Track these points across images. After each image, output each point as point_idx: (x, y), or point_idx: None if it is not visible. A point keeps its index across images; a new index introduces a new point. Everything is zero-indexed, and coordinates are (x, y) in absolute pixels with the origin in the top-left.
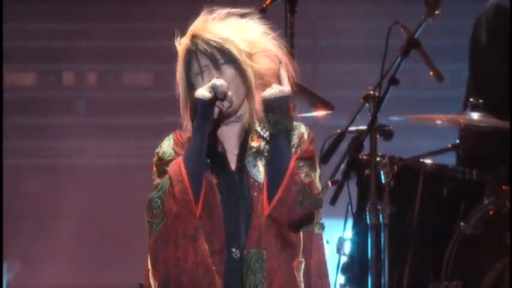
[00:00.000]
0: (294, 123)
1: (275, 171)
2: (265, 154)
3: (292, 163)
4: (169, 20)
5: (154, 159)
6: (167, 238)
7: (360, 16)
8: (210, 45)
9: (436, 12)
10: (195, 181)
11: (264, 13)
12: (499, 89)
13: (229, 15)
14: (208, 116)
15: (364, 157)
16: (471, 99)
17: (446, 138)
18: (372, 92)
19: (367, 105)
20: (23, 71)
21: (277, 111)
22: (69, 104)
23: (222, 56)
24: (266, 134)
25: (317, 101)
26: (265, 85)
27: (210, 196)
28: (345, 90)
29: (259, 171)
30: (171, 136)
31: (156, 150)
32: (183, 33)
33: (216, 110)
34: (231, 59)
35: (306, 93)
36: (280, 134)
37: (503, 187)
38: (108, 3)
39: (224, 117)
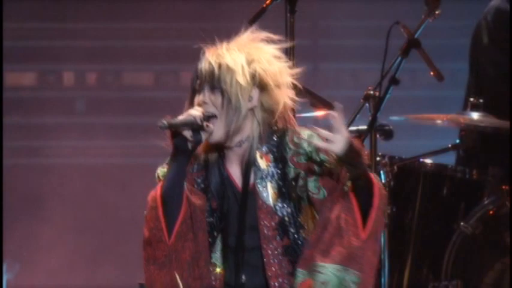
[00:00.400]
0: (303, 132)
1: (364, 202)
2: (275, 177)
3: (376, 191)
4: (169, 20)
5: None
6: (143, 259)
7: (360, 16)
8: (210, 66)
9: (436, 12)
10: (170, 209)
11: (264, 12)
12: (499, 88)
13: (259, 40)
14: (181, 147)
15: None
16: (471, 99)
17: (446, 138)
18: (372, 92)
19: (367, 105)
20: (23, 71)
21: (351, 163)
22: (69, 104)
23: (215, 80)
24: (279, 155)
25: (317, 101)
26: (275, 115)
27: (196, 220)
28: (345, 90)
29: (268, 193)
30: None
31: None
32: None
33: (186, 138)
34: (224, 88)
35: (305, 92)
36: (359, 178)
37: (503, 187)
38: (108, 3)
39: (225, 145)
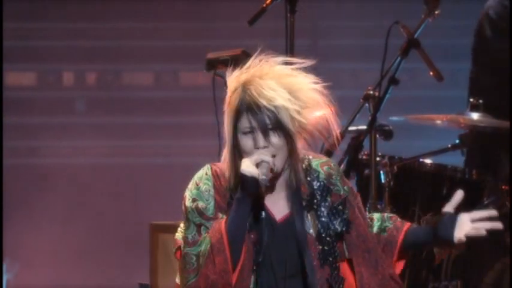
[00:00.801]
0: (322, 160)
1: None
2: (316, 209)
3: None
4: (169, 20)
5: (190, 205)
6: None
7: (360, 16)
8: (261, 109)
9: (436, 12)
10: (235, 252)
11: (264, 13)
12: (504, 81)
13: (282, 63)
14: (253, 191)
15: (364, 157)
16: (471, 99)
17: (446, 138)
18: (371, 92)
19: (366, 105)
20: (23, 71)
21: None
22: (68, 104)
23: (271, 122)
24: (316, 184)
25: None
26: (308, 137)
27: (246, 262)
28: (345, 89)
29: (310, 224)
30: (209, 177)
31: (193, 193)
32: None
33: (258, 184)
34: (280, 127)
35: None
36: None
37: (503, 187)
38: (108, 3)
39: (267, 188)
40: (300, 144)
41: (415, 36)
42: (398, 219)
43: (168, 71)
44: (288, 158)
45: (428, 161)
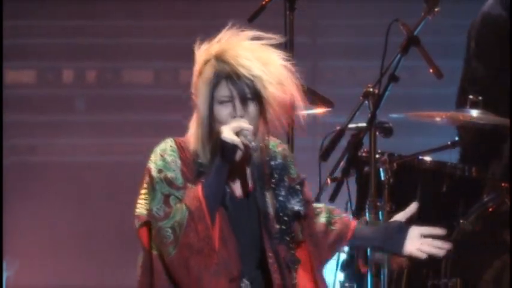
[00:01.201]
0: (276, 142)
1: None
2: (274, 188)
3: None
4: (168, 18)
5: (157, 175)
6: (179, 267)
7: (360, 13)
8: (241, 78)
9: (436, 10)
10: (213, 217)
11: (264, 10)
12: (485, 91)
13: (255, 38)
14: (232, 158)
15: (364, 154)
16: (470, 97)
17: (445, 135)
18: (371, 89)
19: (366, 102)
20: (22, 69)
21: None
22: (68, 102)
23: (250, 92)
24: (274, 163)
25: (316, 99)
26: (273, 113)
27: (224, 225)
28: (345, 87)
29: (269, 203)
30: (174, 148)
31: (158, 163)
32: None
33: (239, 152)
34: (258, 97)
35: (305, 90)
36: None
37: (503, 184)
38: (107, 1)
39: (244, 159)
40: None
41: (415, 33)
42: (344, 214)
43: (168, 69)
44: (258, 132)
45: (428, 158)
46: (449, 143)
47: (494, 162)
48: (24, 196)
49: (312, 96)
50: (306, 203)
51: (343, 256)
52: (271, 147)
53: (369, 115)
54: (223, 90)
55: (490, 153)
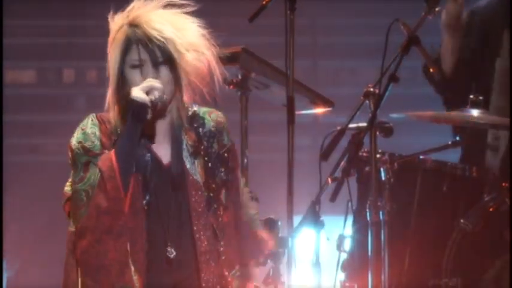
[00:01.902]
0: (204, 110)
1: None
2: (202, 155)
3: None
4: None
5: (76, 146)
6: (87, 230)
7: (360, 13)
8: (152, 41)
9: (436, 10)
10: (125, 179)
11: (264, 10)
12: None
13: (167, 5)
14: (143, 117)
15: (364, 154)
16: (471, 96)
17: (446, 135)
18: (371, 89)
19: (367, 102)
20: (23, 68)
21: None
22: (69, 101)
23: (162, 55)
24: (202, 131)
25: (317, 98)
26: (189, 84)
27: (136, 195)
28: (345, 87)
29: (197, 170)
30: (95, 122)
31: (78, 136)
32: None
33: (148, 110)
34: (170, 60)
35: (305, 90)
36: None
37: (503, 184)
38: (108, 1)
39: (154, 117)
40: (185, 93)
41: (416, 33)
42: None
43: None
44: (172, 97)
45: (428, 158)
46: (449, 142)
47: (490, 156)
48: (24, 196)
49: (312, 96)
50: (232, 170)
51: (343, 256)
52: (201, 115)
53: (370, 115)
54: (134, 54)
55: (486, 150)
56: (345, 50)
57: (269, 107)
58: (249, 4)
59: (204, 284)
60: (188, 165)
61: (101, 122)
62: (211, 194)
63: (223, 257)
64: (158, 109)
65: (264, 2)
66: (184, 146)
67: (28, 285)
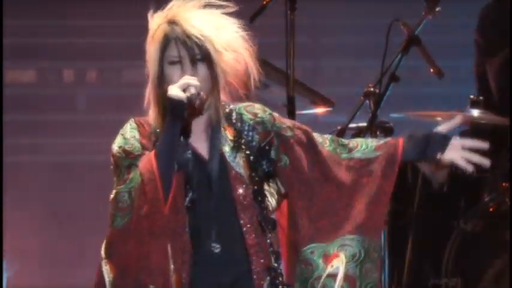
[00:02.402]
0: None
1: None
2: (244, 149)
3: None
4: None
5: (117, 150)
6: (131, 233)
7: (360, 13)
8: (191, 39)
9: (436, 10)
10: (165, 180)
11: (265, 10)
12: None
13: (206, 5)
14: (181, 115)
15: None
16: (471, 96)
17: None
18: (372, 89)
19: (367, 102)
20: (23, 68)
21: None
22: (69, 101)
23: (200, 52)
24: (241, 125)
25: (317, 98)
26: (227, 84)
27: (178, 194)
28: (345, 87)
29: (239, 164)
30: (133, 125)
31: (119, 141)
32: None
33: (186, 108)
34: (208, 58)
35: (306, 90)
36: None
37: (503, 184)
38: (108, 1)
39: (191, 119)
40: (222, 92)
41: (416, 33)
42: (389, 138)
43: None
44: (210, 95)
45: None
46: None
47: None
48: (24, 196)
49: (313, 96)
50: (278, 161)
51: None
52: (237, 111)
53: (370, 115)
54: (173, 51)
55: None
56: (345, 50)
57: (269, 107)
58: (250, 4)
59: (255, 276)
60: (230, 160)
61: (140, 125)
62: (256, 187)
63: (271, 249)
64: (196, 106)
65: (264, 2)
66: (224, 142)
67: (28, 285)
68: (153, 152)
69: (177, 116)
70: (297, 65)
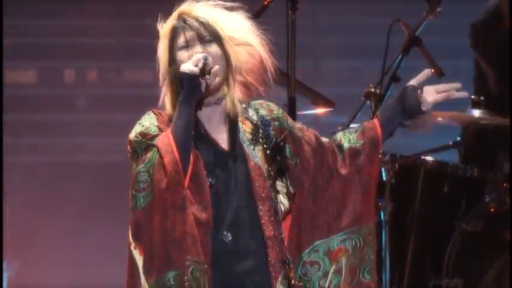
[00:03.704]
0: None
1: None
2: (261, 142)
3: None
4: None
5: (134, 135)
6: (154, 210)
7: (361, 13)
8: (198, 20)
9: (438, 10)
10: (184, 153)
11: (266, 9)
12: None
13: (216, 5)
14: (196, 89)
15: None
16: (472, 97)
17: (447, 135)
18: (373, 90)
19: (368, 102)
20: (23, 68)
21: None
22: (69, 101)
23: (209, 33)
24: (257, 119)
25: (318, 99)
26: (242, 80)
27: (198, 171)
28: (346, 87)
29: (257, 156)
30: (151, 115)
31: (136, 129)
32: (166, 16)
33: (203, 83)
34: (217, 37)
35: (307, 90)
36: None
37: (504, 184)
38: (109, 1)
39: (206, 95)
40: (239, 87)
41: (417, 33)
42: (364, 122)
43: None
44: (225, 76)
45: (429, 158)
46: (450, 143)
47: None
48: (24, 196)
49: (313, 96)
50: (291, 158)
51: None
52: (252, 105)
53: (371, 115)
54: (181, 37)
55: (491, 153)
56: (346, 50)
57: None
58: (251, 4)
59: (271, 268)
60: (249, 151)
61: (158, 114)
62: (271, 181)
63: (285, 243)
64: (210, 83)
65: (265, 2)
66: (241, 134)
67: (28, 285)
68: (170, 128)
69: (191, 90)
70: (297, 65)
